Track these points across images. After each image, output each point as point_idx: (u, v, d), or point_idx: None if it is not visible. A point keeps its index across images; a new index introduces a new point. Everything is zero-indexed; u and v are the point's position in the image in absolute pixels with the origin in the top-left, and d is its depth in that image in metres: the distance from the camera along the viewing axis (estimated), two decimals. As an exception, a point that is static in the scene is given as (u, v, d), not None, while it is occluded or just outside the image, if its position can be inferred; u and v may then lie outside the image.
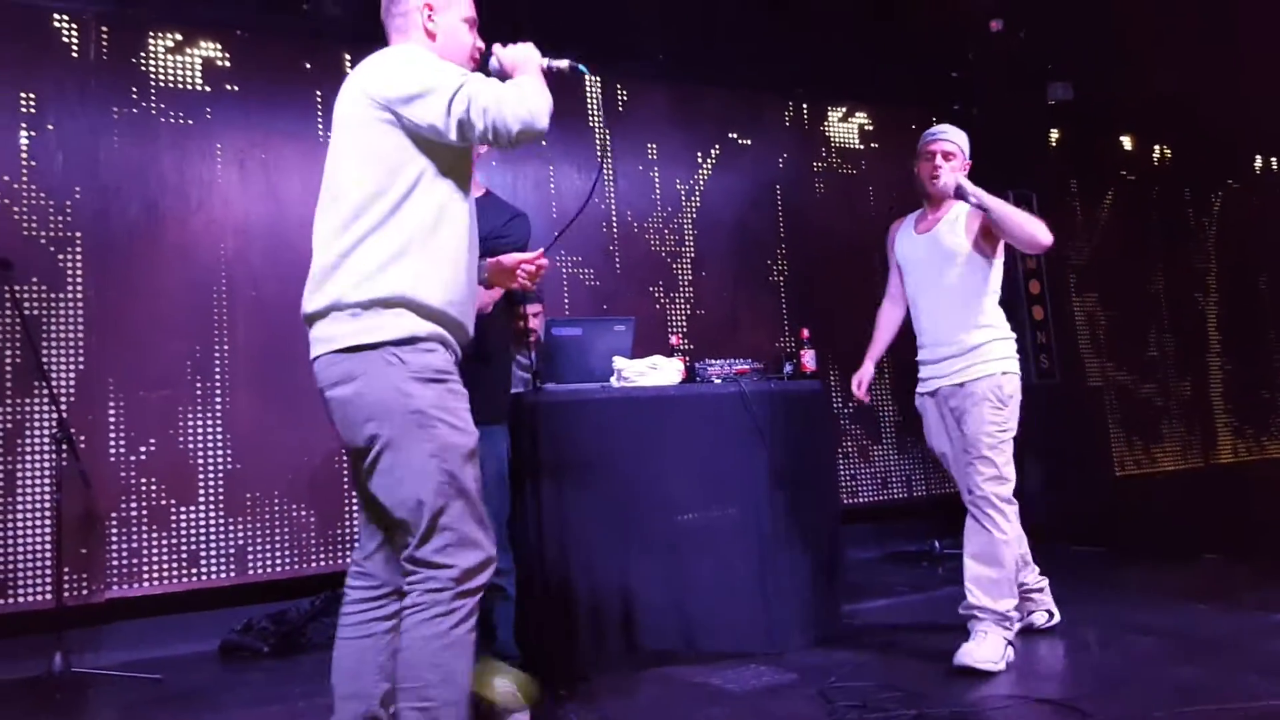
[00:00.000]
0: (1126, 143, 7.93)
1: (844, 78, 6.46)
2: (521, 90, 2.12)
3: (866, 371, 3.80)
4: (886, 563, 5.86)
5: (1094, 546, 5.65)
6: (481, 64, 2.34)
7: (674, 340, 4.72)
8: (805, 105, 6.52)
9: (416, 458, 2.04)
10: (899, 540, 6.18)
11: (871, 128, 6.72)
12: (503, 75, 2.28)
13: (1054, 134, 7.37)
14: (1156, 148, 8.11)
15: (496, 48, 2.33)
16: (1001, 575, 3.32)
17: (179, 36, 4.67)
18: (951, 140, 3.56)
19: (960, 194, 3.42)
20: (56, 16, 4.43)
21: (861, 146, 6.67)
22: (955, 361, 3.48)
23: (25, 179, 4.31)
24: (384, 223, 2.11)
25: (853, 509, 6.06)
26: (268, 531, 4.57)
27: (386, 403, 2.05)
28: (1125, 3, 6.12)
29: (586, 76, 2.40)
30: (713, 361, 4.04)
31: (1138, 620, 3.73)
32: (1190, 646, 3.34)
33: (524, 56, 2.28)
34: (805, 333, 4.35)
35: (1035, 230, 3.32)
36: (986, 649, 3.21)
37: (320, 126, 4.92)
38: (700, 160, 6.05)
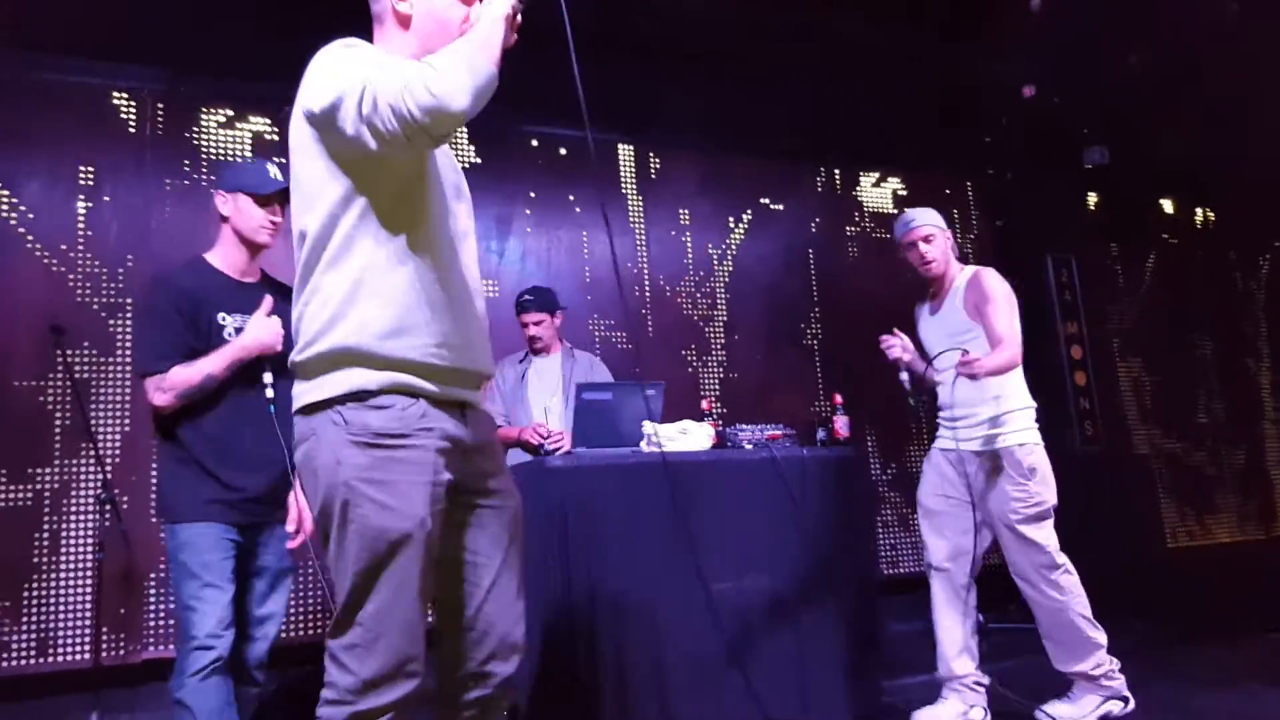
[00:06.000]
0: (1167, 205, 7.87)
1: (876, 144, 6.50)
2: (436, 66, 1.67)
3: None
4: (930, 637, 5.67)
5: (1144, 620, 5.46)
6: None
7: (705, 405, 4.71)
8: (837, 171, 6.58)
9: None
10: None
11: (905, 193, 6.75)
12: None
13: (1092, 197, 7.36)
14: (1199, 210, 8.04)
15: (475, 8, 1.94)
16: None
17: (230, 112, 4.86)
18: (927, 224, 3.65)
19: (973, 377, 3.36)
20: (116, 94, 4.65)
21: (895, 211, 6.68)
22: (978, 429, 3.53)
23: (81, 248, 4.48)
24: (327, 268, 1.82)
25: (894, 579, 5.92)
26: (302, 596, 4.60)
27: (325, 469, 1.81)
28: (1161, 66, 6.12)
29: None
30: (744, 427, 4.02)
31: (1195, 705, 3.58)
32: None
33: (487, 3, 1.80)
34: (838, 398, 4.32)
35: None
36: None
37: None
38: (732, 225, 6.11)
